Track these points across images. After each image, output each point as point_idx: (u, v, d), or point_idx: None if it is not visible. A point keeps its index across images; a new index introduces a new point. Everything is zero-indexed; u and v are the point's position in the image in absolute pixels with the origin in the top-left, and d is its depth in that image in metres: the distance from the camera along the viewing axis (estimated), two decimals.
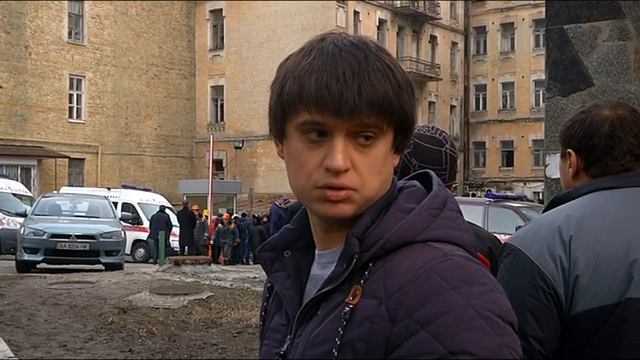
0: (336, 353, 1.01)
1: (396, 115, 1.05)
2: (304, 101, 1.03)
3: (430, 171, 1.16)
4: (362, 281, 1.03)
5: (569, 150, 1.91)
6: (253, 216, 27.03)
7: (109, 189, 27.60)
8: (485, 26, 51.24)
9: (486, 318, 0.96)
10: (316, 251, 1.15)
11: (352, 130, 1.03)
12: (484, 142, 51.10)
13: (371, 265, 1.04)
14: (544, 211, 1.94)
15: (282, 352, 1.12)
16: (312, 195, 1.06)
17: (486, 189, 44.15)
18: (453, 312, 0.95)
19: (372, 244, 1.04)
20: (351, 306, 1.02)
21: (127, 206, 26.14)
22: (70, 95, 38.36)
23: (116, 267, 17.40)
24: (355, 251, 1.04)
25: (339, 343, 1.01)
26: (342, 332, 1.01)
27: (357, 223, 1.06)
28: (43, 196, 20.56)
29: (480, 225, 2.41)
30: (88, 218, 18.89)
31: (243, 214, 27.88)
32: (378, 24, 43.62)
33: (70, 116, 38.32)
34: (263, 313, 1.23)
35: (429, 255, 1.01)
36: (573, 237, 1.71)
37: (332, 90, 1.01)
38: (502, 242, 2.16)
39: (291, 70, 1.07)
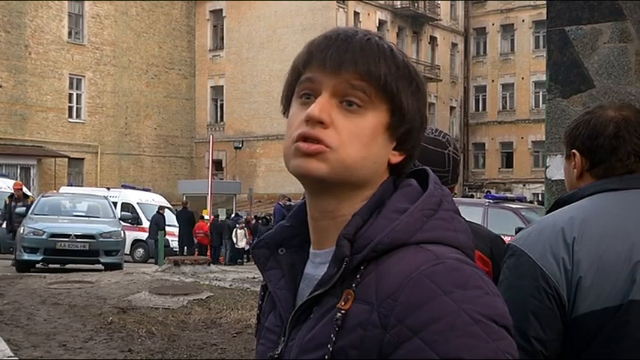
0: None
1: (386, 89, 1.05)
2: (300, 62, 1.09)
3: (427, 168, 1.13)
4: (354, 285, 1.01)
5: (573, 151, 1.91)
6: (256, 217, 26.95)
7: (108, 189, 27.58)
8: (485, 27, 51.25)
9: (480, 323, 0.94)
10: (311, 249, 1.13)
11: (338, 89, 1.04)
12: (484, 144, 51.11)
13: (362, 268, 1.02)
14: (547, 212, 1.94)
15: (276, 356, 1.10)
16: (290, 151, 1.06)
17: (486, 190, 44.15)
18: (445, 318, 0.93)
19: (363, 246, 1.02)
20: (343, 311, 1.00)
21: (126, 206, 26.15)
22: (70, 95, 38.36)
23: (116, 267, 17.39)
24: (345, 254, 1.02)
25: (331, 349, 0.99)
26: (334, 338, 0.99)
27: (348, 224, 1.04)
28: (42, 196, 20.53)
29: None
30: (87, 218, 18.87)
31: (237, 214, 27.89)
32: (378, 25, 43.61)
33: (70, 116, 38.32)
34: (259, 312, 1.22)
35: (421, 258, 0.99)
36: (576, 239, 1.71)
37: (321, 46, 1.06)
38: (504, 241, 2.17)
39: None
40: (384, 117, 1.05)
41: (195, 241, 24.94)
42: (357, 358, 0.98)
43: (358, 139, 1.03)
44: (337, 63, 1.04)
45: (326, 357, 1.00)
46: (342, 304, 1.01)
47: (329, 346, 1.00)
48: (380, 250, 1.01)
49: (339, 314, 1.00)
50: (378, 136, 1.05)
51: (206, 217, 26.12)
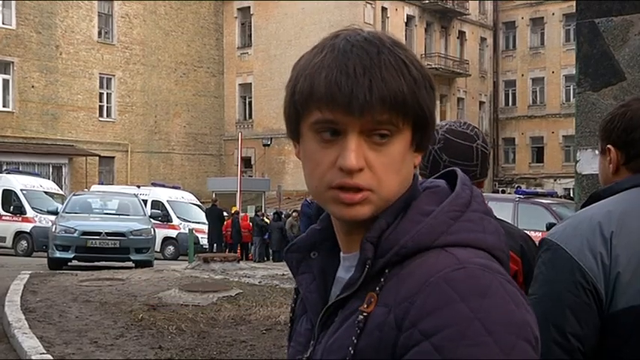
0: None
1: (411, 111, 1.01)
2: (315, 99, 1.01)
3: (457, 169, 1.11)
4: (377, 288, 1.00)
5: (609, 146, 1.87)
6: (275, 213, 26.91)
7: (138, 187, 27.83)
8: (514, 21, 50.86)
9: (493, 333, 0.91)
10: (341, 253, 1.12)
11: (366, 127, 1.00)
12: (514, 139, 50.74)
13: (387, 271, 1.01)
14: (582, 207, 1.90)
15: (305, 359, 1.11)
16: (326, 196, 1.03)
17: (516, 185, 43.78)
18: (458, 325, 0.91)
19: (387, 249, 1.01)
20: (365, 314, 0.99)
21: (156, 204, 26.35)
22: (100, 94, 38.75)
23: (146, 264, 17.52)
24: (368, 257, 1.01)
25: (352, 352, 0.99)
26: (355, 341, 0.99)
27: (372, 228, 1.03)
28: (73, 194, 20.78)
29: (510, 222, 2.37)
30: (118, 216, 19.05)
31: (276, 213, 27.87)
32: (406, 20, 43.46)
33: (101, 115, 38.72)
34: (292, 315, 1.21)
35: (443, 262, 0.97)
36: (614, 233, 1.67)
37: (342, 87, 0.98)
38: (534, 240, 2.13)
39: (303, 69, 1.04)
40: (409, 134, 1.03)
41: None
42: (376, 359, 0.97)
43: (392, 169, 1.02)
44: (365, 106, 0.98)
45: (347, 359, 0.99)
46: (365, 306, 1.00)
47: (350, 348, 0.99)
48: (403, 254, 1.00)
49: (360, 317, 1.00)
50: (407, 155, 1.04)
51: (241, 214, 26.19)
